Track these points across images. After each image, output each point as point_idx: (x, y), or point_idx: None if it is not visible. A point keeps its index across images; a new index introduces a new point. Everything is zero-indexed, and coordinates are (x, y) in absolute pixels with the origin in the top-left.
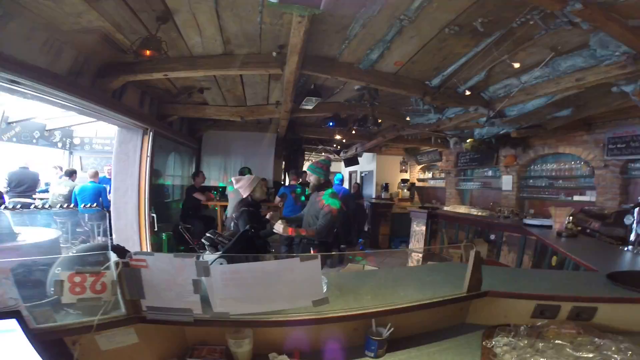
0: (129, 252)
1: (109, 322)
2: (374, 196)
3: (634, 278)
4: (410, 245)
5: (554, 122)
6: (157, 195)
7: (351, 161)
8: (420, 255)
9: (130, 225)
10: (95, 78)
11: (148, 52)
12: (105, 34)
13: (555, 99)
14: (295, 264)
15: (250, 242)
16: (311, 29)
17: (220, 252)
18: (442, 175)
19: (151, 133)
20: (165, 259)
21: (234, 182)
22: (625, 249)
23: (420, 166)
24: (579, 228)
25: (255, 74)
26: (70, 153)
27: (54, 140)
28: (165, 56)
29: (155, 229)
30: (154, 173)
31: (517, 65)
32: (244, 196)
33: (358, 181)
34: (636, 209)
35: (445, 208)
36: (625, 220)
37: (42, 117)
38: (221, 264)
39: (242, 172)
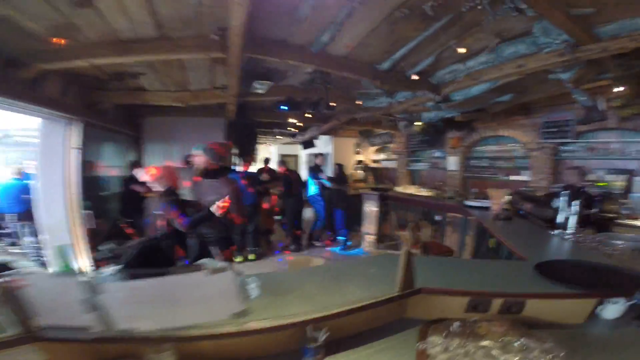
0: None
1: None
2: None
3: (558, 269)
4: (364, 227)
5: (495, 107)
6: (92, 189)
7: (308, 144)
8: (374, 237)
9: (62, 224)
10: (4, 68)
11: (60, 40)
12: (14, 22)
13: (497, 85)
14: (202, 278)
15: (154, 251)
16: (256, 10)
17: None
18: (394, 156)
19: (79, 123)
20: (47, 279)
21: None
22: (553, 232)
23: (374, 148)
24: (513, 210)
25: (197, 58)
26: None
27: None
28: (89, 42)
29: (93, 227)
30: (87, 165)
31: (462, 50)
32: (163, 189)
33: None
34: (565, 191)
35: (397, 188)
36: (553, 203)
37: None
38: None
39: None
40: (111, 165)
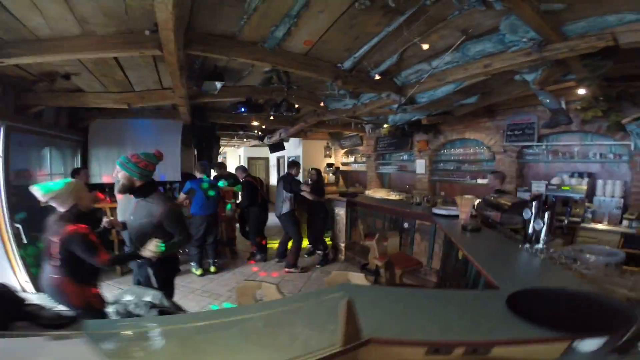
0: None
1: None
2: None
3: (532, 303)
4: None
5: (461, 109)
6: (28, 199)
7: (277, 147)
8: (343, 245)
9: None
10: None
11: None
12: None
13: (463, 86)
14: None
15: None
16: (197, 2)
17: None
18: (364, 159)
19: (2, 128)
20: None
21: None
22: (525, 247)
23: (344, 150)
24: (481, 217)
25: (135, 57)
26: None
27: None
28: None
29: (25, 241)
30: (21, 174)
31: (426, 46)
32: (63, 210)
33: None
34: (534, 202)
35: (367, 192)
36: (524, 214)
37: None
38: None
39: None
40: (53, 172)
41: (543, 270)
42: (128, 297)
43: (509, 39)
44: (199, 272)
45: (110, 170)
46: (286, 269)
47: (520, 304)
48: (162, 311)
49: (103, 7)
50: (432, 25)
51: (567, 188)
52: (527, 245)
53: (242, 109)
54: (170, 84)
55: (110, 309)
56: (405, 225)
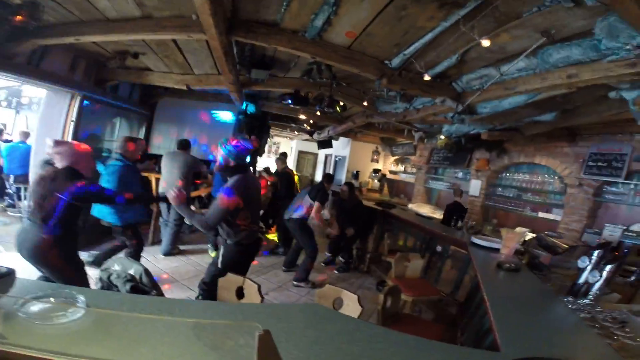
0: None
1: None
2: (343, 182)
3: None
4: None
5: (533, 127)
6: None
7: (325, 144)
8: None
9: None
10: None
11: (18, 18)
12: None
13: (537, 99)
14: None
15: None
16: None
17: None
18: (414, 170)
19: (78, 98)
20: None
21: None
22: (566, 300)
23: (394, 158)
24: (529, 257)
25: (190, 40)
26: (17, 112)
27: None
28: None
29: None
30: (92, 137)
31: (487, 43)
32: (60, 166)
33: (331, 165)
34: (596, 252)
35: (411, 205)
36: (579, 262)
37: None
38: None
39: (181, 143)
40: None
41: (570, 334)
42: (115, 267)
43: (606, 45)
44: (213, 254)
45: (168, 144)
46: (294, 283)
47: None
48: (136, 287)
49: None
50: (502, 22)
51: None
52: (570, 299)
53: (289, 101)
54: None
55: (96, 273)
56: (438, 248)
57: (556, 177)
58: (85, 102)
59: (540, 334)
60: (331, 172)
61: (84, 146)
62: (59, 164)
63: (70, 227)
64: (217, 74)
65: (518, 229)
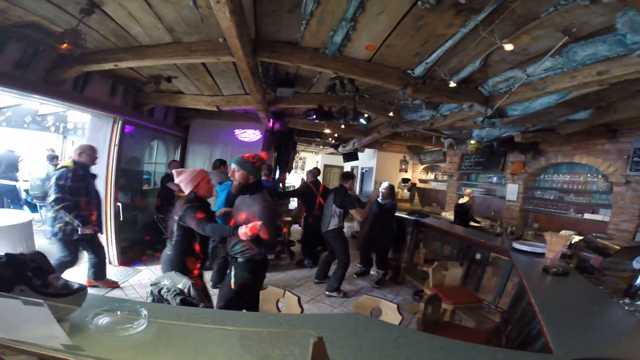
0: None
1: None
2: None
3: None
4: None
5: (568, 126)
6: (134, 182)
7: (350, 156)
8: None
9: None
10: (48, 70)
11: (64, 46)
12: (43, 27)
13: (569, 97)
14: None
15: None
16: (255, 9)
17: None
18: (445, 177)
19: (120, 122)
20: None
21: (174, 175)
22: (621, 302)
23: (423, 166)
24: (577, 261)
25: (218, 63)
26: (64, 137)
27: (46, 125)
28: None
29: (121, 218)
30: (133, 160)
31: (510, 47)
32: (186, 192)
33: (358, 177)
34: None
35: (444, 214)
36: (635, 262)
37: (34, 102)
38: None
39: (216, 164)
40: (157, 162)
41: (629, 335)
42: (165, 281)
43: (632, 39)
44: None
45: (201, 164)
46: (327, 292)
47: None
48: (185, 300)
49: (184, 17)
50: (520, 24)
51: None
52: (627, 301)
53: (314, 116)
54: (249, 90)
55: (149, 289)
56: (477, 256)
57: (600, 176)
58: (128, 126)
59: (595, 335)
60: (357, 185)
61: (200, 171)
62: (185, 190)
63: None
64: (245, 94)
65: (563, 232)
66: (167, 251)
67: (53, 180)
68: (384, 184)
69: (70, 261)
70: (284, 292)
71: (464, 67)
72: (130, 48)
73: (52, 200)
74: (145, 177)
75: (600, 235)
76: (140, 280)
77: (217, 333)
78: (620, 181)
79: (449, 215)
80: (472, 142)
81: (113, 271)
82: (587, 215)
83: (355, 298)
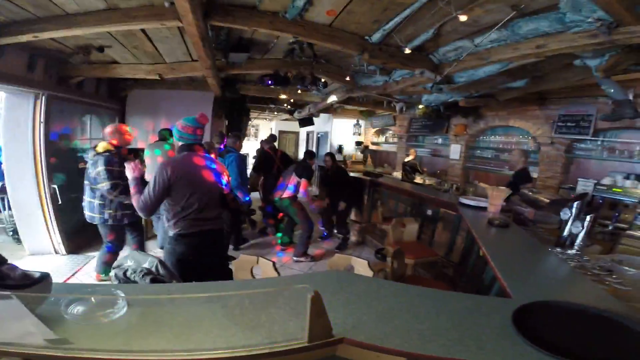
0: None
1: None
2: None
3: (544, 320)
4: (353, 215)
5: (506, 93)
6: (69, 161)
7: (306, 122)
8: (360, 226)
9: (31, 199)
10: None
11: None
12: None
13: (510, 67)
14: None
15: None
16: None
17: None
18: (395, 139)
19: (44, 98)
20: None
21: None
22: (555, 251)
23: (375, 129)
24: (513, 213)
25: (161, 29)
26: None
27: None
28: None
29: (59, 202)
30: (64, 137)
31: (464, 18)
32: None
33: (314, 141)
34: (575, 202)
35: (394, 174)
36: (562, 214)
37: None
38: None
39: (161, 134)
40: (92, 137)
41: (569, 281)
42: (128, 262)
43: (570, 18)
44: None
45: (144, 136)
46: (295, 258)
47: (529, 320)
48: (156, 279)
49: None
50: None
51: (619, 190)
52: (558, 250)
53: (269, 82)
54: (196, 56)
55: (112, 273)
56: (429, 212)
57: (530, 138)
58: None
59: (542, 281)
60: (314, 149)
61: None
62: None
63: None
64: (192, 61)
65: (500, 187)
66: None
67: (102, 167)
68: (326, 157)
69: (119, 246)
70: (257, 258)
71: (418, 35)
72: (53, 17)
73: (109, 188)
74: (80, 155)
75: (531, 190)
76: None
77: (206, 305)
78: (546, 142)
79: (399, 175)
80: (421, 106)
81: (61, 261)
82: None
83: (323, 262)
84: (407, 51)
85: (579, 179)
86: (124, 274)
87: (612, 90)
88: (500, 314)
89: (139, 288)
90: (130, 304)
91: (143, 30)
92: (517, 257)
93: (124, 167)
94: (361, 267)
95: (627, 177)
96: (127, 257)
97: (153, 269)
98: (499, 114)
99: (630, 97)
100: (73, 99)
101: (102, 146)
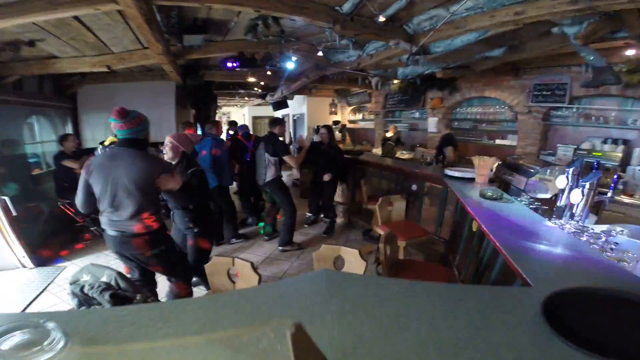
0: None
1: None
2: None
3: (581, 316)
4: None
5: (483, 64)
6: (18, 169)
7: (280, 104)
8: (344, 208)
9: None
10: None
11: None
12: None
13: (487, 35)
14: None
15: None
16: None
17: None
18: (372, 116)
19: None
20: None
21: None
22: (556, 223)
23: (351, 108)
24: (499, 183)
25: (99, 15)
26: None
27: None
28: None
29: (14, 213)
30: (8, 143)
31: None
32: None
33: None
34: (570, 169)
35: (374, 150)
36: (557, 182)
37: None
38: None
39: None
40: (43, 140)
41: (586, 260)
42: (85, 277)
43: None
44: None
45: (102, 135)
46: (280, 248)
47: (561, 313)
48: (116, 294)
49: None
50: None
51: (599, 154)
52: (559, 222)
53: (235, 64)
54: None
55: (68, 289)
56: (414, 187)
57: (506, 107)
58: None
59: (557, 262)
60: (291, 132)
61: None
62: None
63: None
64: (143, 48)
65: (486, 157)
66: None
67: None
68: (323, 129)
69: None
70: (233, 259)
71: (391, 4)
72: None
73: None
74: (32, 160)
75: (513, 157)
76: (68, 278)
77: (161, 345)
78: (523, 111)
79: (379, 151)
80: (396, 81)
81: (29, 275)
82: (498, 141)
83: (311, 249)
84: (382, 19)
85: (558, 145)
86: (81, 290)
87: (592, 58)
88: (524, 307)
89: (80, 315)
90: (70, 338)
91: (77, 19)
92: (521, 234)
93: None
94: (353, 257)
95: (604, 142)
96: (82, 270)
97: (112, 283)
98: (475, 86)
99: (611, 63)
100: (10, 101)
101: (109, 140)
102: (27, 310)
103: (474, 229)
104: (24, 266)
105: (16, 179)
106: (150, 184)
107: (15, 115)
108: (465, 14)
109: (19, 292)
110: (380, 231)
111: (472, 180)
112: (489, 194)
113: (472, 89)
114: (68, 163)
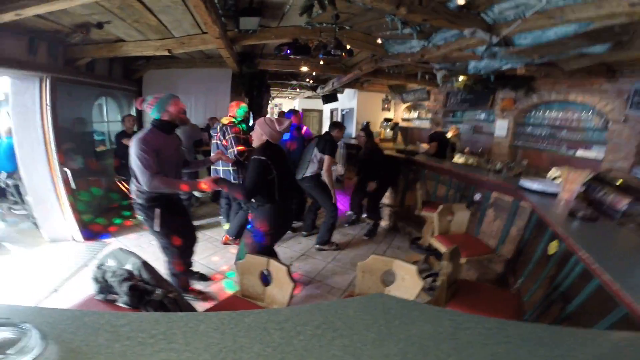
0: None
1: None
2: (353, 135)
3: None
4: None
5: (576, 61)
6: (85, 145)
7: (330, 98)
8: (393, 210)
9: (44, 184)
10: None
11: None
12: None
13: (590, 28)
14: None
15: None
16: None
17: None
18: (429, 115)
19: (48, 80)
20: None
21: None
22: None
23: (406, 105)
24: (587, 201)
25: None
26: None
27: None
28: None
29: (73, 187)
30: (79, 121)
31: None
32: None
33: (339, 119)
34: None
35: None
36: None
37: None
38: None
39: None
40: (109, 120)
41: None
42: (109, 262)
43: None
44: (226, 226)
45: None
46: (317, 246)
47: None
48: (136, 286)
49: None
50: None
51: None
52: None
53: (288, 51)
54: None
55: (92, 274)
56: (477, 197)
57: (594, 114)
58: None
59: None
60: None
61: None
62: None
63: None
64: (202, 34)
65: (579, 170)
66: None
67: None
68: (360, 132)
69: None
70: (268, 260)
71: None
72: None
73: (237, 154)
74: (98, 137)
75: (605, 173)
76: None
77: None
78: (618, 119)
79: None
80: (461, 78)
81: (79, 248)
82: (579, 152)
83: (349, 250)
84: (461, 2)
85: None
86: (103, 276)
87: None
88: None
89: (74, 317)
90: (48, 347)
91: (140, 1)
92: (631, 263)
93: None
94: (408, 274)
95: None
96: (109, 255)
97: (135, 272)
98: (557, 87)
99: None
100: (82, 81)
101: (226, 119)
102: (61, 288)
103: (551, 252)
104: (74, 239)
105: (82, 154)
106: None
107: (87, 95)
108: (562, 3)
109: (62, 266)
110: (437, 243)
111: (553, 195)
112: (581, 214)
113: (554, 91)
114: (126, 141)
